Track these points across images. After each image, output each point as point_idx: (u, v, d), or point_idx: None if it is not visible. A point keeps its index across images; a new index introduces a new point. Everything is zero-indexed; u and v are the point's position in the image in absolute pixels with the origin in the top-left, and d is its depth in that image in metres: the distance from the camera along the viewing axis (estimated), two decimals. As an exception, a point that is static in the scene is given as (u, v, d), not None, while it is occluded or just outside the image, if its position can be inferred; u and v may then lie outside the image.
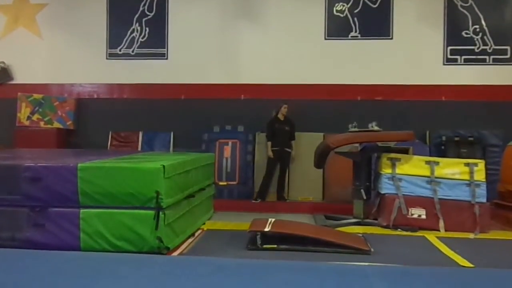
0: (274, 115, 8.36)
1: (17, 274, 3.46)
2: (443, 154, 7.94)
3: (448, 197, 6.29)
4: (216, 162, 8.21)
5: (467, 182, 6.30)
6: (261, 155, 8.61)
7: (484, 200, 6.28)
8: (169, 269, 3.74)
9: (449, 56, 8.84)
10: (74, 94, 9.54)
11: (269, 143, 8.25)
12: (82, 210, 4.88)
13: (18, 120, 9.29)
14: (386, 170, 6.43)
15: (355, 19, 8.95)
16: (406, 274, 3.72)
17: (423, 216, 6.26)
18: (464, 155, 7.82)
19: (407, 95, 8.73)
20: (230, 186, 8.57)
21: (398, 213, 6.27)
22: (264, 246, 5.08)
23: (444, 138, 8.35)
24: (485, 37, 8.74)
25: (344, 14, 8.99)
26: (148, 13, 9.34)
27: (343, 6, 8.99)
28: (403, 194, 6.32)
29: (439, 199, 6.27)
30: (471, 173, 6.31)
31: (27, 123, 9.29)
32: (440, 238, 5.78)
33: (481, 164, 6.40)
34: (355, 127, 7.33)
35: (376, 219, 6.54)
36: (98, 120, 9.34)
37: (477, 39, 8.76)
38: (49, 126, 9.30)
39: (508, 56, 8.74)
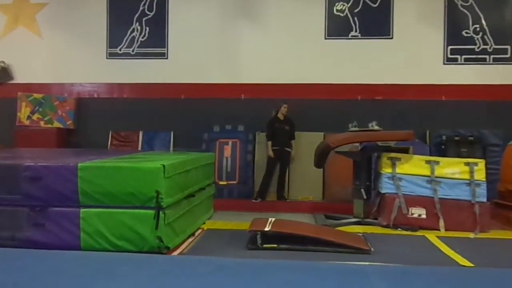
0: (274, 115, 8.36)
1: (17, 273, 3.46)
2: (443, 154, 7.93)
3: (448, 196, 6.29)
4: (216, 162, 8.21)
5: (467, 181, 6.30)
6: (261, 155, 8.61)
7: (484, 199, 6.28)
8: (169, 269, 3.74)
9: (449, 56, 8.84)
10: (74, 93, 9.54)
11: (269, 143, 8.25)
12: (82, 210, 4.88)
13: (18, 120, 9.29)
14: (386, 170, 6.43)
15: (355, 18, 8.95)
16: (406, 274, 3.72)
17: (423, 216, 6.26)
18: (464, 155, 7.81)
19: (407, 94, 8.72)
20: (230, 186, 8.57)
21: (398, 212, 6.27)
22: (264, 245, 5.08)
23: (444, 137, 8.34)
24: (485, 37, 8.74)
25: (344, 14, 8.99)
26: (148, 12, 9.34)
27: (343, 5, 8.98)
28: (403, 194, 6.32)
29: (439, 198, 6.27)
30: (471, 172, 6.31)
31: (27, 122, 9.29)
32: (440, 238, 5.78)
33: (481, 164, 6.40)
34: (355, 126, 7.34)
35: (376, 219, 6.54)
36: (98, 119, 9.34)
37: (477, 38, 8.76)
38: (49, 125, 9.29)
39: (508, 55, 8.73)
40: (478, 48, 8.76)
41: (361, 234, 5.73)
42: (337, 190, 8.07)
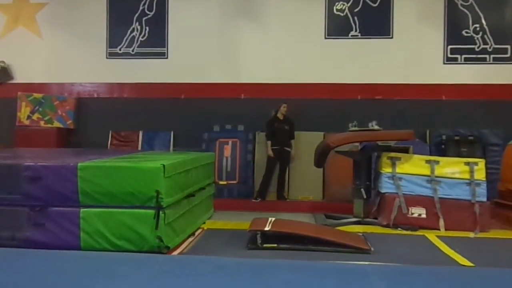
0: (274, 115, 8.36)
1: (17, 273, 3.46)
2: (443, 153, 7.94)
3: (448, 196, 6.29)
4: (216, 162, 8.21)
5: (467, 181, 6.30)
6: (261, 154, 8.61)
7: (484, 199, 6.28)
8: (169, 268, 3.74)
9: (449, 55, 8.83)
10: (74, 93, 9.54)
11: (269, 142, 8.25)
12: (82, 210, 4.89)
13: (18, 120, 9.29)
14: (386, 169, 6.43)
15: (355, 18, 8.94)
16: (406, 273, 3.72)
17: (423, 215, 6.26)
18: (464, 154, 7.82)
19: (407, 94, 8.72)
20: (230, 185, 8.57)
21: (398, 212, 6.28)
22: (264, 245, 5.08)
23: (444, 137, 8.35)
24: (485, 36, 8.74)
25: (344, 13, 8.99)
26: (148, 12, 9.34)
27: (343, 5, 8.98)
28: (403, 193, 6.33)
29: (439, 198, 6.27)
30: (471, 172, 6.31)
31: (27, 122, 9.29)
32: (440, 237, 5.78)
33: (481, 163, 6.40)
34: (355, 126, 7.34)
35: (376, 218, 6.54)
36: (98, 119, 9.33)
37: (477, 38, 8.75)
38: (49, 125, 9.29)
39: (508, 55, 8.72)
40: (478, 47, 8.76)
41: (361, 234, 5.73)
42: (337, 190, 8.07)
